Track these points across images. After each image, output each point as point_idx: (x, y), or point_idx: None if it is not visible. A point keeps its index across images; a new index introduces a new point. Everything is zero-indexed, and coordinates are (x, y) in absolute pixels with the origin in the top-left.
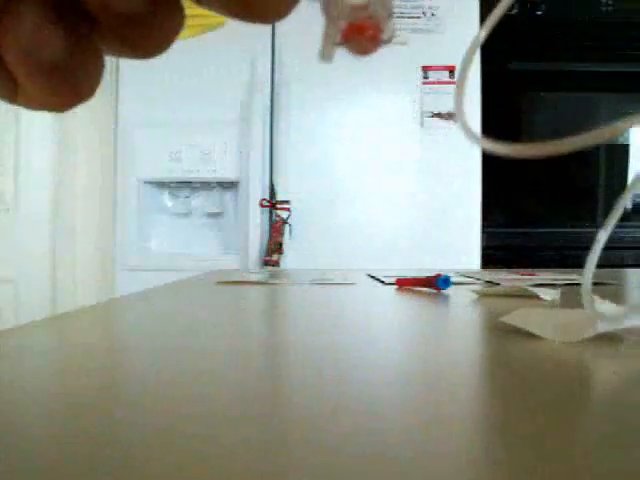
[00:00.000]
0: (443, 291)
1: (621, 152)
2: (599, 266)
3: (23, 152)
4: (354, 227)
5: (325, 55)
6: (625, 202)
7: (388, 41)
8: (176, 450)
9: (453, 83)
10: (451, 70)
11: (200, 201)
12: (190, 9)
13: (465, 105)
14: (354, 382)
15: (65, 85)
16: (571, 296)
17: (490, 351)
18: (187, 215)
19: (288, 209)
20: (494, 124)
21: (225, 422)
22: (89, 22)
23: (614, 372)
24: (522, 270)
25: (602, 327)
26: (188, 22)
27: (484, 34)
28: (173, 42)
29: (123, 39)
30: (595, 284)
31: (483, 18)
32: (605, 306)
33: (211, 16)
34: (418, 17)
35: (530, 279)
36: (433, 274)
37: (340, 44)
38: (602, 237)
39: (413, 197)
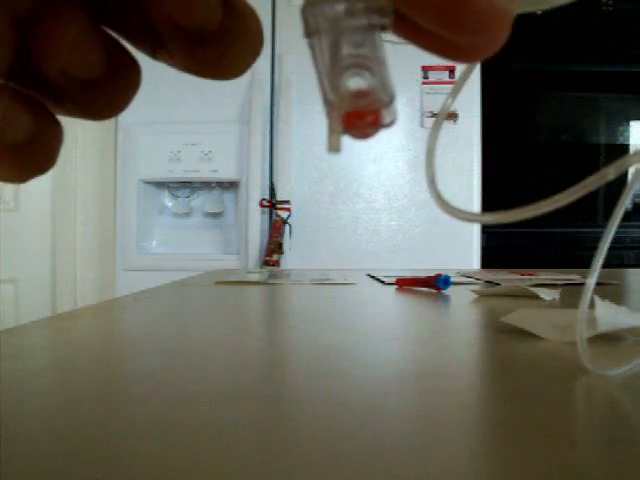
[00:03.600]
0: (443, 291)
1: (621, 152)
2: (600, 266)
3: None
4: (354, 227)
5: (332, 146)
6: (627, 199)
7: (390, 125)
8: (176, 448)
9: (453, 83)
10: (451, 70)
11: (200, 201)
12: None
13: (463, 112)
14: (354, 382)
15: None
16: (571, 296)
17: (490, 351)
18: (187, 215)
19: (288, 209)
20: (494, 125)
21: (225, 420)
22: (45, 89)
23: (613, 372)
24: (522, 270)
25: (602, 327)
26: None
27: (450, 102)
28: (130, 102)
29: (81, 104)
30: (595, 284)
31: None
32: (605, 306)
33: None
34: None
35: (530, 279)
36: (433, 274)
37: (342, 132)
38: (607, 236)
39: (413, 197)
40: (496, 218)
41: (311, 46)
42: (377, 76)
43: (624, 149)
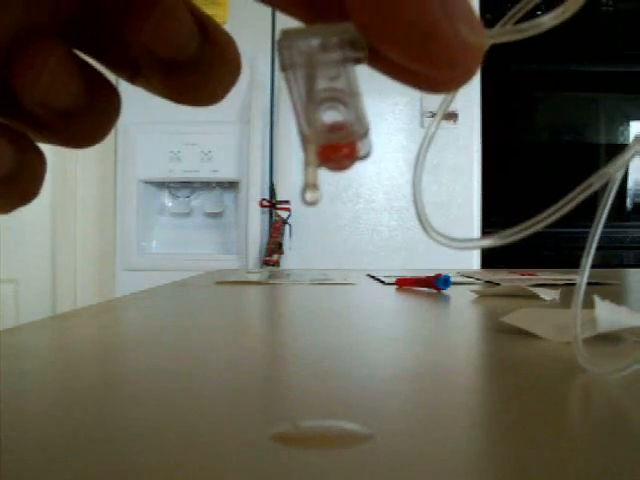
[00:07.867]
0: (443, 291)
1: (621, 152)
2: (600, 266)
3: None
4: (354, 227)
5: (309, 179)
6: (609, 201)
7: (365, 157)
8: (175, 448)
9: None
10: None
11: (200, 201)
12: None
13: (463, 112)
14: (354, 382)
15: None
16: (571, 296)
17: (490, 351)
18: (187, 215)
19: (288, 209)
20: (494, 125)
21: (224, 421)
22: (25, 119)
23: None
24: (522, 270)
25: (602, 327)
26: None
27: (433, 130)
28: (111, 129)
29: (62, 133)
30: (595, 284)
31: (483, 17)
32: (605, 306)
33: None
34: None
35: (530, 279)
36: (433, 274)
37: (318, 165)
38: (595, 232)
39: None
40: (489, 242)
41: (287, 80)
42: (352, 109)
43: (624, 149)
